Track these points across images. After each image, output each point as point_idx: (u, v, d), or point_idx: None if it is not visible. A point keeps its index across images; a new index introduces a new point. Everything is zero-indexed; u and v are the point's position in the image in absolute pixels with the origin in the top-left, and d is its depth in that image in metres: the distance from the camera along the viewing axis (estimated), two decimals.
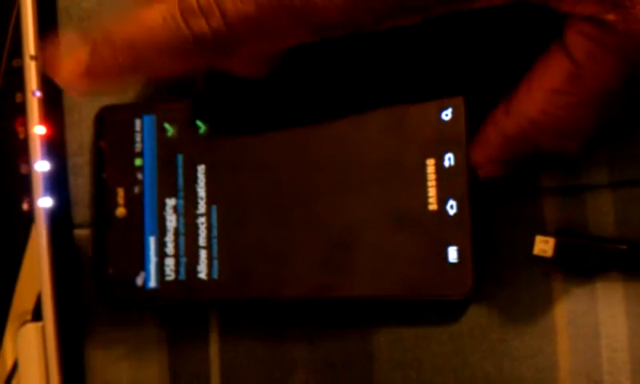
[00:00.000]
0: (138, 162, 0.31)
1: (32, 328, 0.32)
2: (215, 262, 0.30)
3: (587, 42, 0.22)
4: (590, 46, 0.22)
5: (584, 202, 0.28)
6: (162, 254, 0.31)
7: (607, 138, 0.28)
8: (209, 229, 0.30)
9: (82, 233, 0.33)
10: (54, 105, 0.33)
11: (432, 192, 0.28)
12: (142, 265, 0.31)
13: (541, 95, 0.24)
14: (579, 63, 0.23)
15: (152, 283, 0.31)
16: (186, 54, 0.24)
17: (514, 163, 0.26)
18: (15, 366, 0.33)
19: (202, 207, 0.30)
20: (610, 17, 0.21)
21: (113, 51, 0.25)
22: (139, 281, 0.31)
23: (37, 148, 0.32)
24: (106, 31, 0.25)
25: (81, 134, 0.33)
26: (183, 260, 0.30)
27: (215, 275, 0.30)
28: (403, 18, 0.23)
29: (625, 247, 0.27)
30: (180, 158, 0.31)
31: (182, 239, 0.30)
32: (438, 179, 0.28)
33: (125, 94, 0.32)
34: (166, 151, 0.31)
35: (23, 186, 0.33)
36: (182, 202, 0.31)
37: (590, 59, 0.22)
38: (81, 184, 0.33)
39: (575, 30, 0.22)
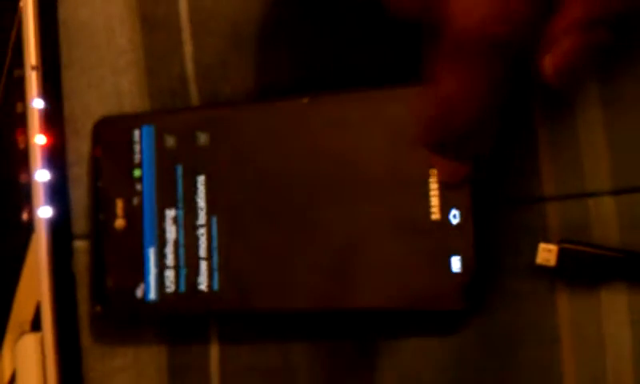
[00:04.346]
0: (136, 173, 0.31)
1: (31, 338, 0.32)
2: (216, 274, 0.30)
3: None
4: None
5: (587, 209, 0.28)
6: (161, 266, 0.30)
7: None
8: (209, 240, 0.30)
9: (81, 244, 0.33)
10: (54, 115, 0.33)
11: (435, 202, 0.28)
12: (141, 276, 0.31)
13: None
14: None
15: (152, 295, 0.30)
16: None
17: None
18: (14, 377, 0.33)
19: (202, 218, 0.30)
20: None
21: None
22: (139, 293, 0.31)
23: (37, 157, 0.32)
24: None
25: (80, 145, 0.33)
26: (183, 271, 0.30)
27: (216, 287, 0.30)
28: None
29: (628, 256, 0.27)
30: (179, 168, 0.31)
31: (181, 250, 0.30)
32: (441, 189, 0.28)
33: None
34: (165, 162, 0.31)
35: (23, 195, 0.33)
36: (181, 213, 0.30)
37: None
38: (80, 195, 0.33)
39: None
